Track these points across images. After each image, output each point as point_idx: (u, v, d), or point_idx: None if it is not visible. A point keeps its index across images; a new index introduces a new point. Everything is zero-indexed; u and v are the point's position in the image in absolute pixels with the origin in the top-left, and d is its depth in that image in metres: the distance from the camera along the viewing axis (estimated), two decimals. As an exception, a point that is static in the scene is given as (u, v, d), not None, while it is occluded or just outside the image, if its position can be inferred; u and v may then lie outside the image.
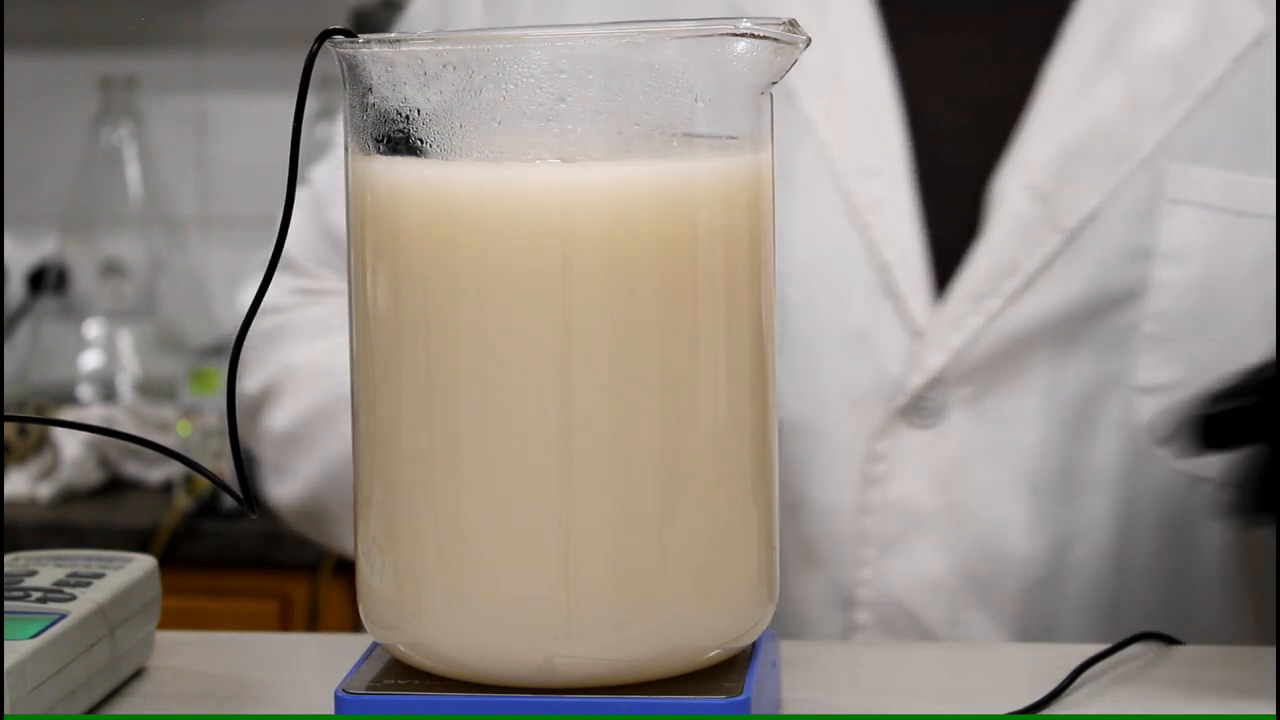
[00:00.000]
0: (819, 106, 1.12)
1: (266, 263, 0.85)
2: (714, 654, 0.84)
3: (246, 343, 0.86)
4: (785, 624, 1.12)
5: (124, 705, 0.94)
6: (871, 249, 1.10)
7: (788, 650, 0.95)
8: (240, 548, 2.19)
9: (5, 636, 0.87)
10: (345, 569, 1.99)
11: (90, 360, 2.56)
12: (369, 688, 0.84)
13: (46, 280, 2.60)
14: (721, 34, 0.81)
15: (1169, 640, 0.99)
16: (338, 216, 1.16)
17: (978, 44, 1.14)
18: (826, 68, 1.12)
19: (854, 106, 1.12)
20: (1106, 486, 1.10)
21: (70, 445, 2.25)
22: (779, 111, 1.02)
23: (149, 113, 2.60)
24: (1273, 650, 0.96)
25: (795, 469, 1.11)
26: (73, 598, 0.92)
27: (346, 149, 0.85)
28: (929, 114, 1.08)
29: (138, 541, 2.13)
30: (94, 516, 2.23)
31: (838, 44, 1.12)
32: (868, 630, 1.11)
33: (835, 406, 1.11)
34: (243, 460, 0.86)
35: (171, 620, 1.01)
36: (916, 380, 1.10)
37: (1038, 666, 0.94)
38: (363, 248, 0.84)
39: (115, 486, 2.33)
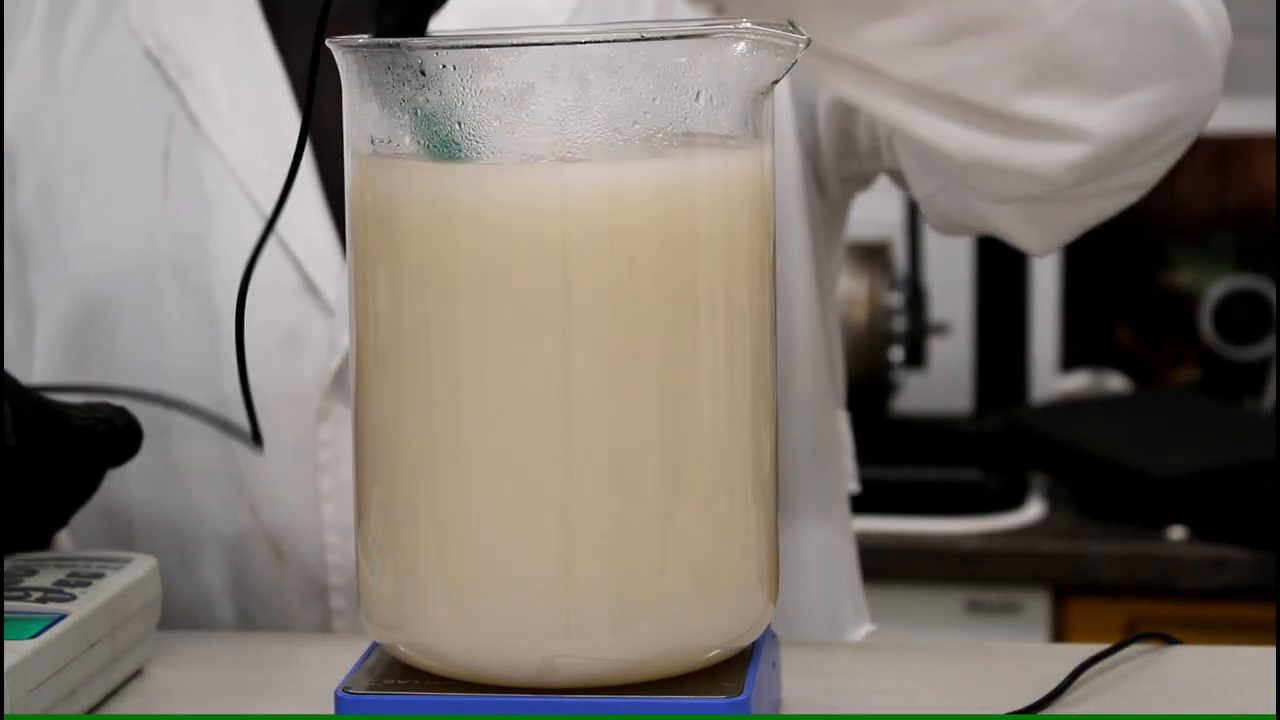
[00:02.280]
0: (213, 121, 1.13)
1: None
2: (714, 654, 0.84)
3: None
4: (264, 623, 1.12)
5: (124, 705, 0.94)
6: (286, 249, 1.11)
7: (788, 650, 0.95)
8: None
9: (5, 636, 0.87)
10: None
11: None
12: (369, 688, 0.84)
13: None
14: (721, 34, 0.81)
15: (1169, 640, 0.99)
16: None
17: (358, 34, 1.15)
18: (220, 77, 1.13)
19: (250, 112, 1.13)
20: None
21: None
22: (180, 129, 1.02)
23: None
24: (1273, 650, 0.96)
25: (250, 469, 1.11)
26: (73, 598, 0.92)
27: (347, 149, 0.85)
28: (327, 110, 1.08)
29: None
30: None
31: (229, 53, 1.13)
32: (345, 616, 1.12)
33: (277, 405, 1.11)
34: (251, 397, 0.87)
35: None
36: (335, 361, 1.11)
37: (1038, 666, 0.94)
38: (363, 247, 0.84)
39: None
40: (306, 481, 1.11)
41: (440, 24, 1.08)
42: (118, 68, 1.14)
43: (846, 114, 1.12)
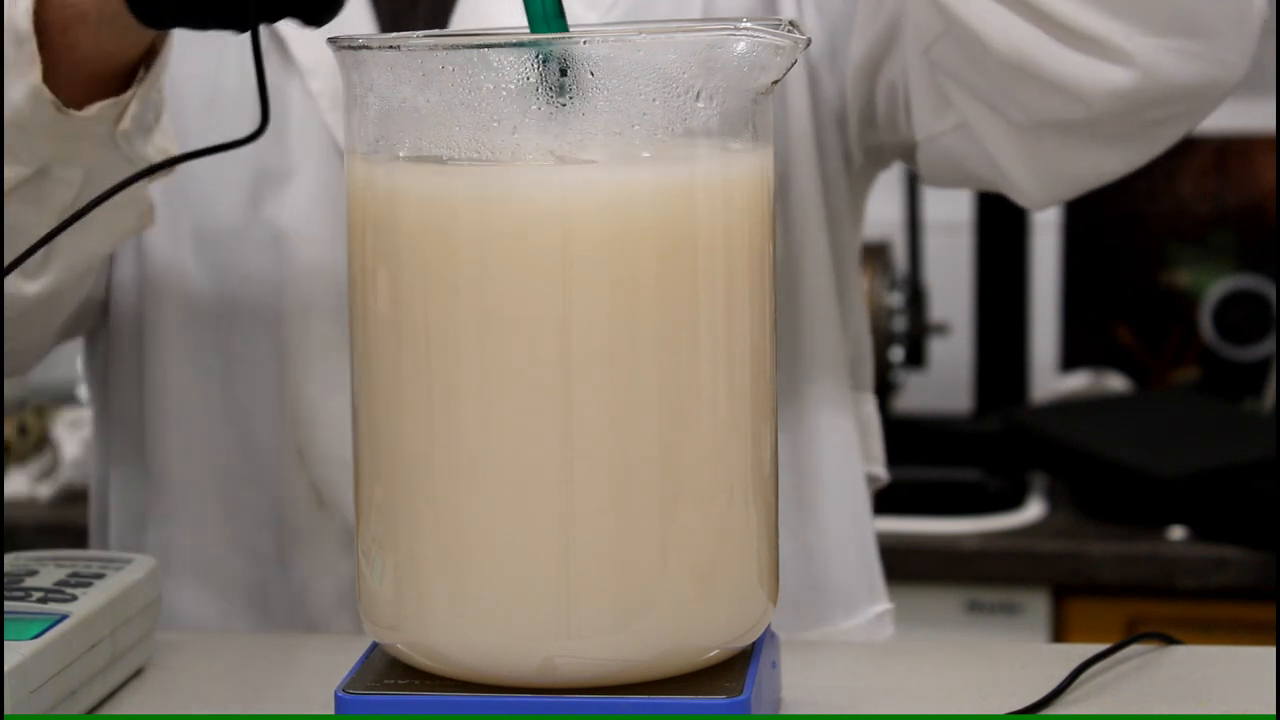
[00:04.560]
0: (309, 56, 1.13)
1: None
2: (714, 654, 0.84)
3: None
4: (306, 566, 1.13)
5: (124, 705, 0.94)
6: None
7: (788, 650, 0.95)
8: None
9: (6, 637, 0.87)
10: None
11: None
12: (369, 688, 0.84)
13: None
14: (722, 34, 0.81)
15: (1169, 640, 0.99)
16: None
17: None
18: (316, 38, 1.12)
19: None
20: None
21: (70, 445, 2.25)
22: (271, 59, 1.06)
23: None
24: (1273, 650, 0.96)
25: (303, 417, 1.13)
26: (74, 598, 0.92)
27: (346, 149, 0.86)
28: None
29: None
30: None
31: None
32: None
33: (326, 362, 1.13)
34: (265, 77, 0.89)
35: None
36: None
37: (1038, 666, 0.94)
38: (363, 248, 0.84)
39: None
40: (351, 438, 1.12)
41: (500, 8, 1.07)
42: None
43: (869, 80, 1.13)
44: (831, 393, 1.18)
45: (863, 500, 1.21)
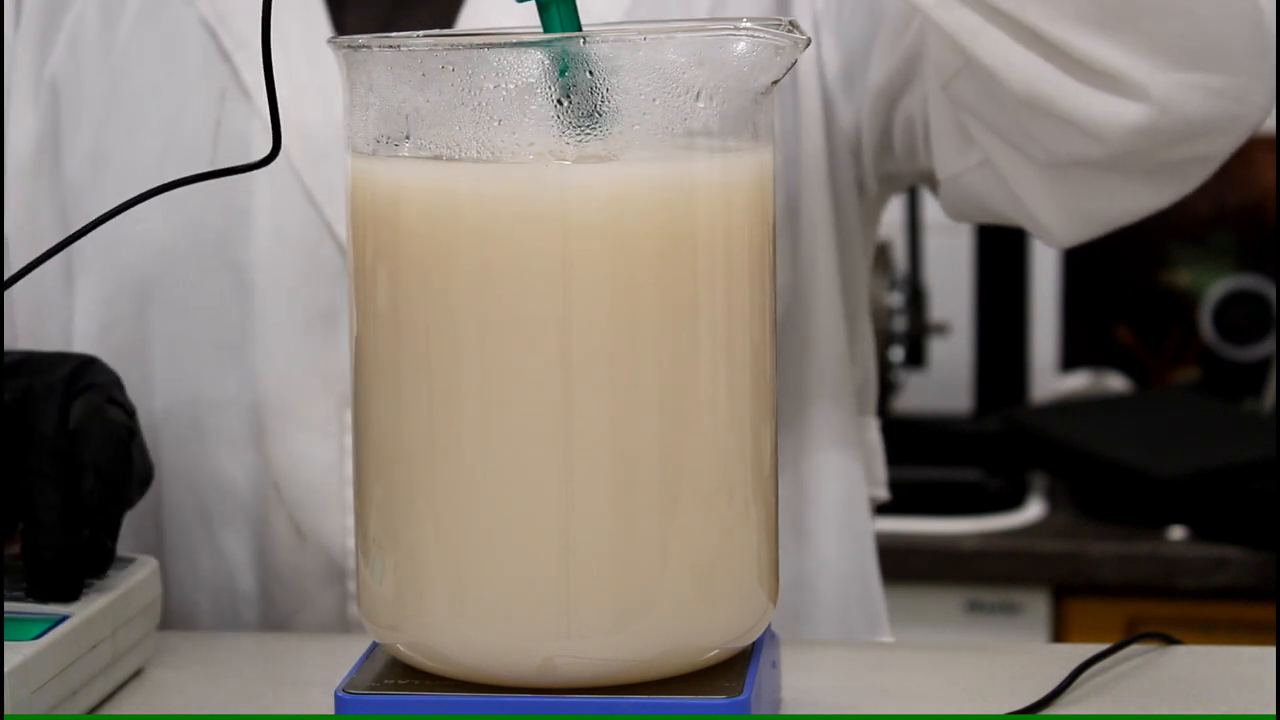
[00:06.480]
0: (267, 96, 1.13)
1: None
2: (714, 654, 0.85)
3: None
4: (284, 600, 1.12)
5: (124, 705, 0.94)
6: (330, 229, 1.11)
7: (788, 650, 0.95)
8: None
9: (7, 637, 0.87)
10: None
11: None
12: (369, 688, 0.84)
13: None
14: (721, 34, 0.81)
15: (1169, 640, 0.99)
16: None
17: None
18: (276, 53, 1.12)
19: (306, 90, 1.12)
20: None
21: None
22: (232, 101, 1.06)
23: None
24: (1273, 650, 0.96)
25: (276, 447, 1.12)
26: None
27: (347, 148, 0.86)
28: None
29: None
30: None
31: (286, 30, 1.12)
32: None
33: (308, 385, 1.12)
34: (275, 94, 0.86)
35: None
36: None
37: (1038, 666, 0.94)
38: (363, 247, 0.84)
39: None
40: (331, 464, 1.11)
41: (495, 20, 1.08)
42: (174, 35, 1.14)
43: (887, 110, 1.12)
44: (837, 428, 1.17)
45: (866, 535, 1.20)
